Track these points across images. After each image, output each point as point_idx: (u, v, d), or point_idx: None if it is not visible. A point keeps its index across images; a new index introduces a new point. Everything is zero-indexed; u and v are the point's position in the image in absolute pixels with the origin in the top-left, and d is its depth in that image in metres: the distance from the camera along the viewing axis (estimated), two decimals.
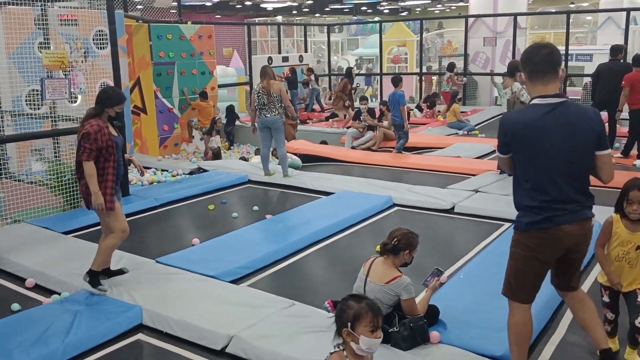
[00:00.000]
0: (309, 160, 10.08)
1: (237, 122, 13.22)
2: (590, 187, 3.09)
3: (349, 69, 15.21)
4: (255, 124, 8.55)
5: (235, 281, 4.90)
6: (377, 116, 11.63)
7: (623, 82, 8.64)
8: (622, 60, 9.50)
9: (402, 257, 3.81)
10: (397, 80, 10.36)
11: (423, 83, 16.64)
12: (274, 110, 8.14)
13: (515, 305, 3.21)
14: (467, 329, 3.83)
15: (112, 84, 7.38)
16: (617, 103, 8.93)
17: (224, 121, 12.75)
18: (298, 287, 4.90)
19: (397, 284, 3.70)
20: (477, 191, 7.41)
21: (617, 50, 9.47)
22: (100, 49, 7.95)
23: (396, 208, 7.07)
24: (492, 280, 4.59)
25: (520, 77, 7.86)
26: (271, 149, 8.81)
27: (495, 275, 4.66)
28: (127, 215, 6.88)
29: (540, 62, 3.04)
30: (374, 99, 17.93)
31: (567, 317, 4.13)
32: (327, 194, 7.58)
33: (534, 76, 3.07)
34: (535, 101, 3.07)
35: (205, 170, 9.16)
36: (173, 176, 8.98)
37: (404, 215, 6.83)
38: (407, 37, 19.87)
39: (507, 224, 6.20)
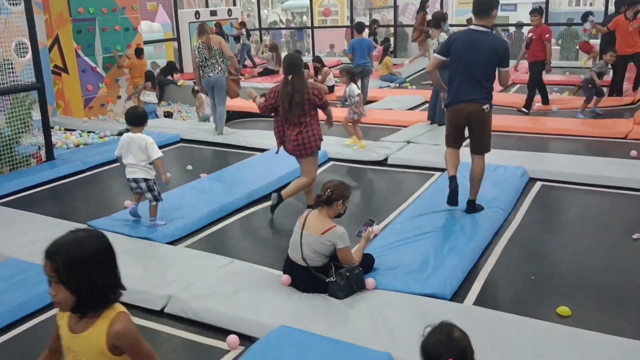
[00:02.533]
0: (242, 117, 9.95)
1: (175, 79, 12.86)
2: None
3: None
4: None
5: (172, 243, 4.85)
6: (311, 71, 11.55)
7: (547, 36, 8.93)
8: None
9: (336, 208, 3.88)
10: (361, 27, 10.29)
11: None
12: (216, 66, 7.96)
13: (448, 149, 5.17)
14: (400, 274, 3.99)
15: (28, 42, 6.94)
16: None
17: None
18: (236, 246, 4.92)
19: (332, 234, 3.78)
20: (409, 142, 7.57)
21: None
22: (13, 5, 7.41)
23: (331, 163, 7.13)
24: (425, 228, 4.78)
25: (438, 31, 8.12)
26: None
27: (426, 224, 4.87)
28: (52, 181, 6.66)
29: (477, 4, 4.77)
30: (306, 53, 17.76)
31: (492, 259, 4.37)
32: (262, 150, 7.53)
33: (474, 14, 4.85)
34: (471, 27, 4.85)
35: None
36: (100, 138, 8.66)
37: (338, 169, 6.91)
38: None
39: (438, 173, 6.40)
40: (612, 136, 7.56)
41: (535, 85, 9.22)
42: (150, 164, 5.00)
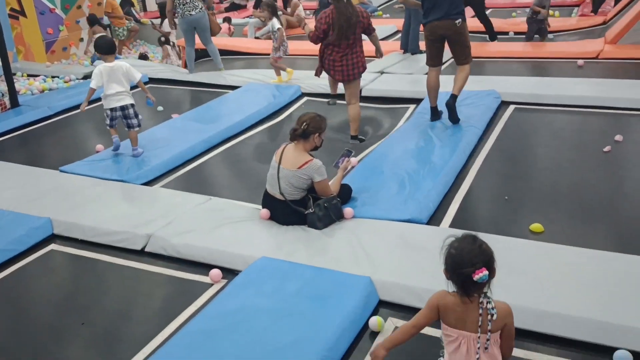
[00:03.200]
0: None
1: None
2: None
3: None
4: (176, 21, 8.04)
5: (147, 184, 4.81)
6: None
7: None
8: None
9: (312, 141, 3.86)
10: None
11: None
12: (197, 4, 7.66)
13: (429, 69, 5.46)
14: (378, 202, 4.03)
15: None
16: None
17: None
18: (213, 184, 4.90)
19: (309, 168, 3.77)
20: (382, 72, 7.49)
21: None
22: None
23: (306, 98, 7.04)
24: (400, 155, 4.81)
25: None
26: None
27: (402, 151, 4.90)
28: (19, 128, 6.49)
29: None
30: None
31: (467, 182, 4.44)
32: (233, 88, 7.39)
33: None
34: None
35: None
36: (65, 82, 8.38)
37: (314, 104, 6.83)
38: None
39: (412, 106, 6.37)
40: (584, 57, 7.56)
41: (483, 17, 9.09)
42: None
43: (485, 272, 1.98)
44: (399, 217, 3.81)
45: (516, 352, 2.64)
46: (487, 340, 2.04)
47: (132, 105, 5.17)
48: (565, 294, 2.87)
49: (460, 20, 5.14)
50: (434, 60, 5.42)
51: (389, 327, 2.90)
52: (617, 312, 2.71)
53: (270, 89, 7.05)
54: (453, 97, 5.33)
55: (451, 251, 2.07)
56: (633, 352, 2.53)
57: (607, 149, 4.68)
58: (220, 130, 5.83)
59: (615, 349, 2.56)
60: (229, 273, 3.43)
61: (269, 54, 7.49)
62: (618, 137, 4.78)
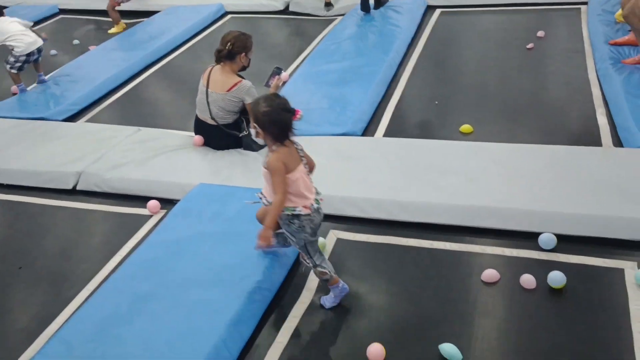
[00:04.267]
0: None
1: None
2: None
3: None
4: None
5: (70, 119, 4.59)
6: None
7: None
8: None
9: (239, 61, 3.73)
10: None
11: None
12: None
13: None
14: (312, 118, 4.00)
15: None
16: None
17: None
18: (140, 113, 4.72)
19: (239, 89, 3.68)
20: None
21: None
22: None
23: (229, 16, 6.77)
24: (332, 68, 4.77)
25: None
26: None
27: (333, 64, 4.85)
28: None
29: None
30: None
31: (398, 90, 4.47)
32: (151, 13, 7.00)
33: None
34: None
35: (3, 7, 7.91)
36: None
37: (238, 22, 6.59)
38: None
39: (339, 17, 6.25)
40: None
41: None
42: None
43: (301, 112, 2.22)
44: (334, 132, 3.83)
45: (452, 246, 2.80)
46: (306, 164, 2.44)
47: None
48: (494, 188, 3.01)
49: None
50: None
51: (329, 241, 2.98)
52: (541, 200, 2.87)
53: (192, 10, 6.73)
54: None
55: (266, 110, 2.29)
56: (556, 235, 2.71)
57: (529, 46, 4.78)
58: (141, 57, 5.57)
59: (540, 233, 2.73)
60: (168, 203, 3.39)
61: None
62: (540, 33, 4.88)
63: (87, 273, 2.92)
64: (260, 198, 2.48)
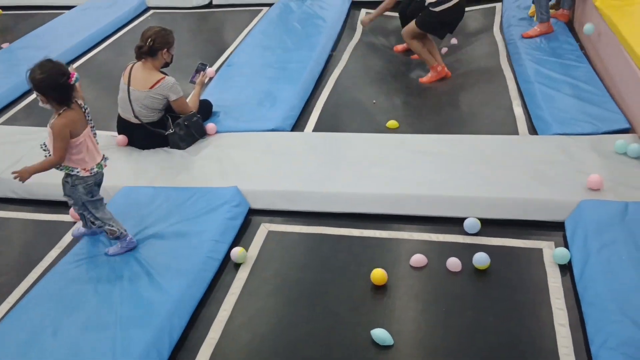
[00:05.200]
0: None
1: None
2: None
3: None
4: None
5: None
6: None
7: None
8: None
9: (161, 58, 3.63)
10: None
11: None
12: None
13: None
14: (241, 114, 3.99)
15: None
16: None
17: None
18: None
19: (163, 86, 3.59)
20: None
21: None
22: None
23: (152, 11, 6.59)
24: (259, 62, 4.74)
25: None
26: None
27: (260, 58, 4.83)
28: None
29: None
30: None
31: (328, 86, 4.50)
32: (69, 7, 6.71)
33: None
34: None
35: None
36: None
37: (162, 17, 6.43)
38: None
39: (265, 8, 6.22)
40: None
41: None
42: None
43: (76, 74, 2.41)
44: (263, 128, 3.81)
45: (382, 233, 2.86)
46: (93, 126, 2.60)
47: None
48: (420, 177, 3.10)
49: None
50: None
51: (260, 234, 2.98)
52: (465, 187, 2.98)
53: (111, 5, 6.49)
54: None
55: (41, 77, 2.40)
56: (480, 219, 2.83)
57: (444, 50, 4.88)
58: (58, 55, 5.28)
59: (465, 218, 2.84)
60: None
61: None
62: (453, 41, 4.98)
63: (5, 287, 2.76)
64: (44, 150, 2.57)
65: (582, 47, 4.39)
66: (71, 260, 2.75)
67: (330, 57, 4.98)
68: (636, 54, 3.33)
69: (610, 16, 3.86)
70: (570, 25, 4.78)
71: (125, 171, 3.45)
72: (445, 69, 4.43)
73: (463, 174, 3.09)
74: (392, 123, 3.84)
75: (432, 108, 4.09)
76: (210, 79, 4.50)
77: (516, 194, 2.90)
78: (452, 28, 4.51)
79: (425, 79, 4.44)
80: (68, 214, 3.21)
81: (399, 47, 5.02)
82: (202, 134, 3.77)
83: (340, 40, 5.36)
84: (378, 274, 2.53)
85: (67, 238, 3.08)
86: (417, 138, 3.52)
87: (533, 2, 4.94)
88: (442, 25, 4.41)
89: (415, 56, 4.74)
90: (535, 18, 4.83)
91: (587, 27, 4.10)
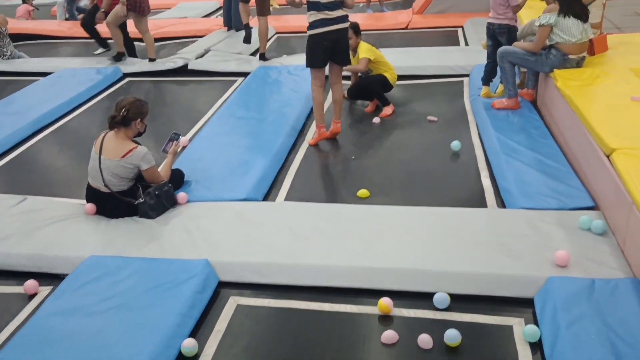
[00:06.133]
0: (16, 39, 8.72)
1: None
2: None
3: None
4: None
5: None
6: None
7: None
8: None
9: (135, 127, 3.66)
10: None
11: None
12: None
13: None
14: (213, 184, 3.98)
15: None
16: None
17: None
18: (27, 181, 4.45)
19: (134, 156, 3.59)
20: (208, 50, 7.35)
21: None
22: None
23: (127, 79, 6.68)
24: (232, 133, 4.79)
25: None
26: None
27: (233, 128, 4.88)
28: None
29: None
30: None
31: (299, 155, 4.56)
32: (46, 74, 6.76)
33: None
34: None
35: None
36: None
37: (137, 85, 6.52)
38: None
39: (240, 79, 6.36)
40: (395, 27, 8.10)
41: None
42: None
43: None
44: (235, 197, 3.81)
45: (352, 308, 2.82)
46: None
47: None
48: (390, 250, 3.10)
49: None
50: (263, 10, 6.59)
51: (229, 307, 2.91)
52: (434, 260, 2.99)
53: (88, 72, 6.57)
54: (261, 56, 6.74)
55: None
56: (449, 294, 2.82)
57: (430, 118, 5.02)
58: (31, 121, 5.33)
59: (434, 293, 2.82)
60: (56, 279, 3.16)
61: (79, 37, 6.92)
62: (433, 118, 5.07)
63: None
64: None
65: (546, 125, 4.56)
66: (29, 330, 2.64)
67: (304, 126, 5.06)
68: (596, 133, 3.47)
69: (571, 96, 4.04)
70: (534, 103, 4.98)
71: (93, 240, 3.38)
72: (326, 132, 4.64)
73: (433, 247, 3.10)
74: (363, 192, 3.88)
75: (403, 176, 4.15)
76: (184, 147, 4.52)
77: (485, 268, 2.91)
78: (334, 57, 4.49)
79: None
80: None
81: (369, 108, 5.22)
82: (173, 203, 3.75)
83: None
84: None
85: (27, 311, 2.96)
86: (387, 210, 3.54)
87: (484, 84, 5.16)
88: (315, 50, 4.39)
89: (368, 109, 5.12)
90: (497, 90, 5.05)
91: (454, 144, 4.36)
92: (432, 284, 2.88)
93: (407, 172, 4.20)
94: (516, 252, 3.00)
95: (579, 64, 4.56)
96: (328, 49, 4.36)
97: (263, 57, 6.79)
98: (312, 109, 5.44)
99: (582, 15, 4.43)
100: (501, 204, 3.64)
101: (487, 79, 5.13)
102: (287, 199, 3.94)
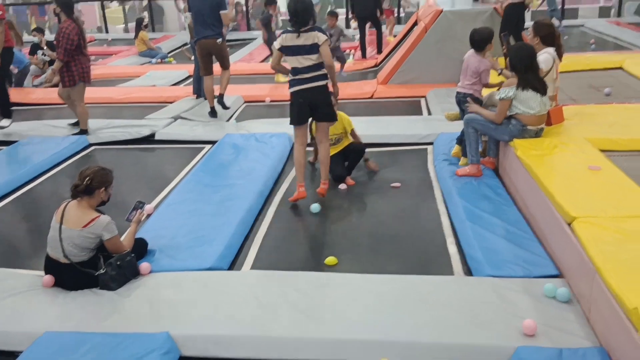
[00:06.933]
0: None
1: None
2: None
3: None
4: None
5: None
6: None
7: None
8: None
9: (98, 196, 3.61)
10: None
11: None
12: None
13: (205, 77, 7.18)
14: (177, 252, 3.90)
15: None
16: (374, 16, 10.42)
17: None
18: None
19: (97, 226, 3.51)
20: (176, 118, 7.40)
21: None
22: None
23: (92, 148, 6.63)
24: (198, 200, 4.75)
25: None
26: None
27: (199, 196, 4.84)
28: None
29: None
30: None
31: (265, 222, 4.54)
32: (8, 143, 6.66)
33: None
34: None
35: None
36: None
37: (103, 153, 6.47)
38: None
39: (207, 146, 6.38)
40: (361, 97, 8.32)
41: None
42: None
43: None
44: (200, 267, 3.73)
45: None
46: None
47: None
48: (358, 319, 3.05)
49: (220, 39, 6.94)
50: (206, 71, 7.23)
51: None
52: (402, 330, 2.95)
53: (53, 141, 6.51)
54: (220, 96, 7.40)
55: None
56: None
57: (394, 184, 5.09)
58: None
59: None
60: (9, 356, 3.00)
61: (48, 104, 6.90)
62: (396, 184, 5.11)
63: None
64: None
65: (508, 192, 4.66)
66: None
67: (270, 193, 5.06)
68: (557, 202, 3.56)
69: (531, 165, 4.16)
70: (496, 171, 5.11)
71: (49, 315, 3.24)
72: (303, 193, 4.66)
73: (402, 317, 3.06)
74: (330, 260, 3.85)
75: (370, 243, 4.14)
76: (148, 215, 4.44)
77: (455, 338, 2.88)
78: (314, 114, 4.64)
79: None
80: None
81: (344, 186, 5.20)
82: (135, 274, 3.64)
83: (281, 176, 5.49)
84: None
85: None
86: (356, 278, 3.51)
87: (457, 143, 5.32)
88: (291, 107, 4.63)
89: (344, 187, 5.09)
90: (461, 161, 5.17)
91: (314, 206, 4.53)
92: (403, 355, 2.82)
93: (374, 238, 4.21)
94: (485, 321, 2.99)
95: (537, 134, 4.73)
96: (304, 106, 4.55)
97: (221, 101, 7.45)
98: (280, 175, 5.50)
99: (540, 88, 4.63)
100: (468, 271, 3.65)
101: (462, 140, 5.25)
102: (253, 267, 3.88)
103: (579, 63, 7.79)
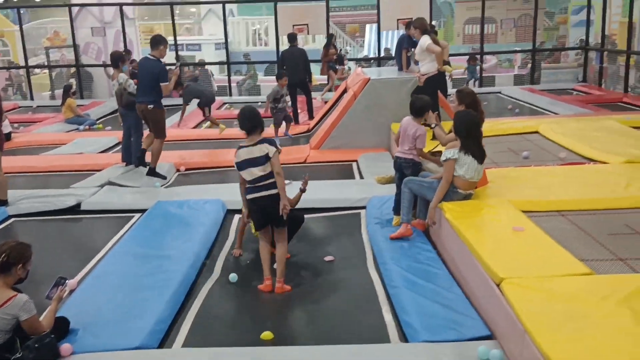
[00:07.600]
0: None
1: None
2: None
3: None
4: None
5: None
6: None
7: None
8: (297, 46, 11.34)
9: (15, 274, 3.40)
10: None
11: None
12: None
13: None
14: (102, 331, 3.69)
15: None
16: (304, 82, 10.82)
17: None
18: None
19: (13, 305, 3.29)
20: (104, 185, 7.18)
21: (292, 38, 11.24)
22: None
23: (12, 220, 6.27)
24: (125, 274, 4.55)
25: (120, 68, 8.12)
26: None
27: (127, 269, 4.65)
28: None
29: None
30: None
31: (199, 297, 4.39)
32: None
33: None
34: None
35: None
36: None
37: (24, 225, 6.13)
38: (6, 27, 17.75)
39: (137, 215, 6.19)
40: (295, 162, 8.40)
41: None
42: None
43: None
44: (127, 346, 3.53)
45: None
46: None
47: None
48: None
49: (152, 106, 7.27)
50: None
51: None
52: None
53: None
54: (142, 151, 7.74)
55: None
56: None
57: (328, 258, 5.00)
58: None
59: None
60: None
61: None
62: (329, 258, 5.02)
63: None
64: None
65: (439, 254, 4.76)
66: None
67: (203, 264, 4.93)
68: (485, 263, 3.66)
69: (459, 227, 4.29)
70: (426, 233, 5.22)
71: None
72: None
73: None
74: (266, 334, 3.74)
75: (306, 316, 4.09)
76: (71, 291, 4.22)
77: None
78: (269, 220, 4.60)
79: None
80: None
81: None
82: (55, 356, 3.41)
83: (214, 246, 5.36)
84: None
85: None
86: (292, 351, 3.43)
87: (395, 214, 5.41)
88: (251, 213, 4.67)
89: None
90: (394, 221, 5.28)
91: (232, 276, 4.58)
92: None
93: (310, 311, 4.16)
94: None
95: (465, 198, 4.89)
96: (258, 212, 4.59)
97: (152, 172, 7.50)
98: (213, 244, 5.37)
99: (478, 157, 4.83)
100: (403, 337, 3.65)
101: (397, 209, 5.33)
102: (186, 343, 3.71)
103: (498, 129, 8.24)
